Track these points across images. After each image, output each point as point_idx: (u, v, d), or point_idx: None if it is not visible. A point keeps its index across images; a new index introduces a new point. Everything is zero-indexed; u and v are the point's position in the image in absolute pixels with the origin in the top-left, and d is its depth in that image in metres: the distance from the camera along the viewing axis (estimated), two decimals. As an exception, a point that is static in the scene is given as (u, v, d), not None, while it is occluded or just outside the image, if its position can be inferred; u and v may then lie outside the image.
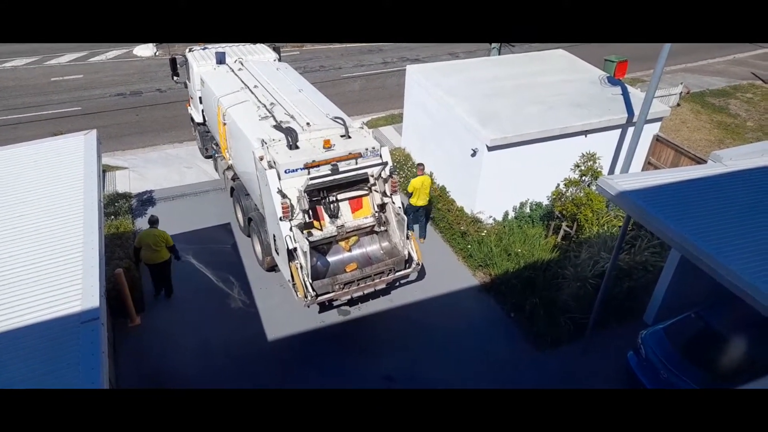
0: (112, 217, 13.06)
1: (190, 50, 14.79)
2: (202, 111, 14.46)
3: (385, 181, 10.35)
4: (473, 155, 12.60)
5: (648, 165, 14.35)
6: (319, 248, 10.44)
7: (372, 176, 10.36)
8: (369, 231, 10.76)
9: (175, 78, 15.71)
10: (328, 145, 10.00)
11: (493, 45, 19.97)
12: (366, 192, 10.56)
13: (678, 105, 20.19)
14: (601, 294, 9.68)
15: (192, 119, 15.88)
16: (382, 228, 10.73)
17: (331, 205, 10.23)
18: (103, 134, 9.83)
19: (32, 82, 20.84)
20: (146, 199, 14.18)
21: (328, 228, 10.17)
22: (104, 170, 14.65)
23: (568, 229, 12.48)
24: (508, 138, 12.17)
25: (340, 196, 10.35)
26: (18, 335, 5.56)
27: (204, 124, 14.88)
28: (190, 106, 15.83)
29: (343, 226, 10.28)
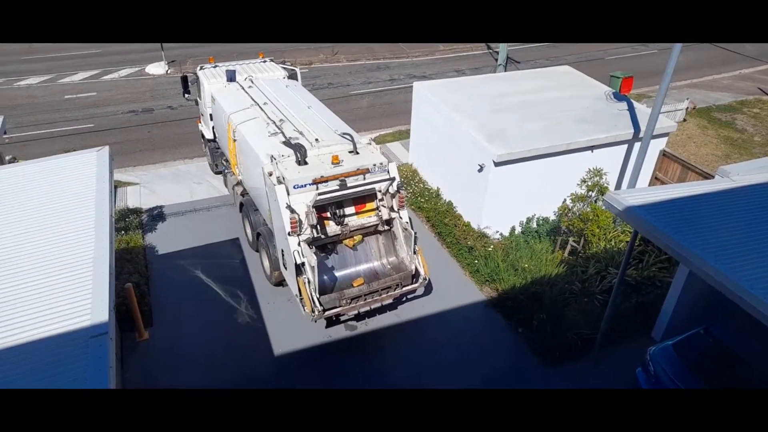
0: (123, 232, 13.21)
1: (201, 68, 15.05)
2: (213, 128, 14.66)
3: (393, 196, 10.43)
4: (480, 170, 12.66)
5: (655, 180, 14.34)
6: (325, 249, 10.50)
7: (380, 191, 10.44)
8: (373, 231, 10.80)
9: (186, 95, 15.96)
10: (336, 161, 10.10)
11: (499, 62, 20.15)
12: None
13: (684, 120, 20.19)
14: (609, 309, 9.64)
15: (202, 136, 16.10)
16: (386, 227, 10.77)
17: (339, 219, 10.31)
18: (115, 151, 10.00)
19: (46, 100, 21.23)
20: (156, 215, 14.33)
21: (332, 227, 10.25)
22: (116, 186, 14.83)
23: (575, 245, 12.46)
24: (514, 153, 12.23)
25: (346, 208, 10.43)
26: (27, 349, 5.62)
27: (214, 140, 15.07)
28: (200, 123, 16.06)
29: (347, 225, 10.36)
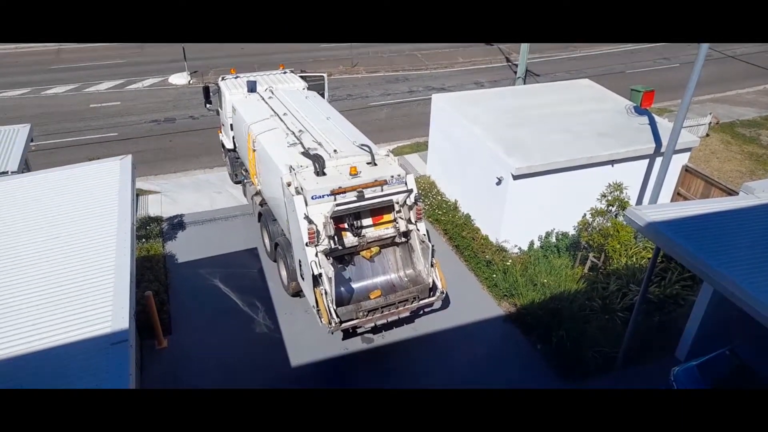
0: (143, 240, 13.37)
1: (222, 79, 15.25)
2: (233, 137, 14.82)
3: (410, 208, 10.41)
4: (498, 183, 12.60)
5: (677, 196, 14.13)
6: (343, 260, 10.51)
7: (397, 203, 10.43)
8: (390, 242, 10.79)
9: (207, 105, 16.19)
10: (354, 172, 10.13)
11: (518, 74, 20.13)
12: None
13: (707, 135, 19.91)
14: (631, 327, 9.48)
15: (223, 145, 16.28)
16: (403, 239, 10.75)
17: (356, 230, 10.31)
18: (138, 159, 10.16)
19: (72, 109, 21.68)
20: (177, 223, 14.49)
21: (349, 238, 10.26)
22: (137, 194, 15.03)
23: (595, 260, 12.30)
24: (533, 167, 12.15)
25: (364, 219, 10.43)
26: (48, 355, 5.68)
27: (234, 150, 15.23)
28: (221, 132, 16.25)
29: (364, 236, 10.36)
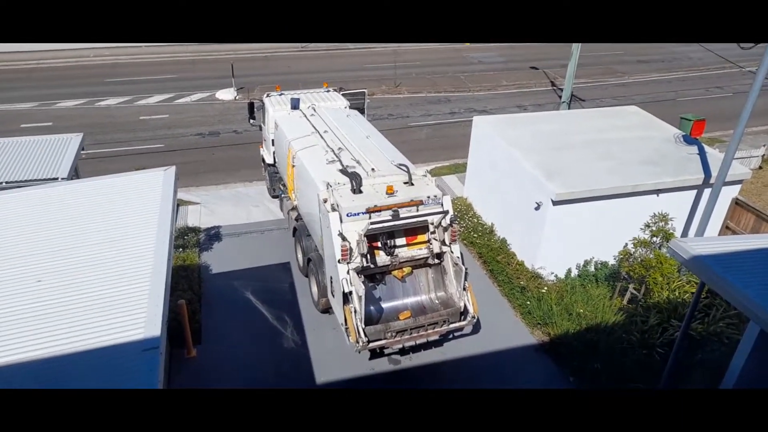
0: (181, 249, 13.68)
1: (267, 95, 15.62)
2: (274, 153, 15.11)
3: (445, 229, 10.32)
4: (537, 209, 12.37)
5: (726, 230, 13.54)
6: (374, 279, 10.47)
7: (432, 224, 10.36)
8: (423, 263, 10.68)
9: (251, 121, 16.59)
10: (390, 191, 10.13)
11: (563, 99, 19.86)
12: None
13: (760, 168, 19.12)
14: (670, 364, 9.06)
15: (263, 160, 16.61)
16: (436, 261, 10.63)
17: (389, 249, 10.27)
18: (181, 170, 10.45)
19: (123, 120, 22.60)
20: (213, 234, 14.78)
21: (382, 257, 10.21)
22: (178, 204, 15.43)
23: (635, 292, 11.86)
24: (574, 193, 11.89)
25: (398, 239, 10.39)
26: (81, 357, 5.80)
27: (274, 165, 15.51)
28: (262, 147, 16.60)
29: (397, 255, 10.30)
